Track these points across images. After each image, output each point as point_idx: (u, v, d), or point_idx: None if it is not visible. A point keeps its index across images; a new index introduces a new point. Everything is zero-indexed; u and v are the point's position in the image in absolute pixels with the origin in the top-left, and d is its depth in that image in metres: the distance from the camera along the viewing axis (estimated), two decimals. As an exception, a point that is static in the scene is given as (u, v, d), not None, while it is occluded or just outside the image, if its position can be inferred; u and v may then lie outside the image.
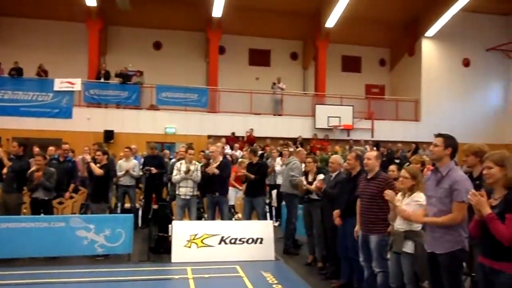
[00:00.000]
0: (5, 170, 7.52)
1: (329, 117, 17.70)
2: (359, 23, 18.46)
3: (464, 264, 4.10)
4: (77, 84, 15.98)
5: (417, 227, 4.26)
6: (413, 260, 4.26)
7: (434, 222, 3.77)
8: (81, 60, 17.41)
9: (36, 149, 8.52)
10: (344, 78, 20.74)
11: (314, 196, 6.75)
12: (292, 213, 7.68)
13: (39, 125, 15.51)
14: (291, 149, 11.04)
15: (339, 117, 17.71)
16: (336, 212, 5.66)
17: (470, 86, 19.66)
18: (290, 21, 19.09)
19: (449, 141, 3.80)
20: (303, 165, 7.76)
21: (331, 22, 17.91)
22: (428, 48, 19.55)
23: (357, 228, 5.10)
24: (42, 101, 15.81)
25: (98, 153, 7.79)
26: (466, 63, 19.86)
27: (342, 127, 17.77)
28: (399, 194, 4.52)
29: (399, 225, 4.37)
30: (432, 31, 18.98)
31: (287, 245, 7.72)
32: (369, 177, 5.03)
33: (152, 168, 9.55)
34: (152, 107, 17.05)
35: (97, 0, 16.14)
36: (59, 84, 15.88)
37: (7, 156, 7.88)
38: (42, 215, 7.14)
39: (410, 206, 4.26)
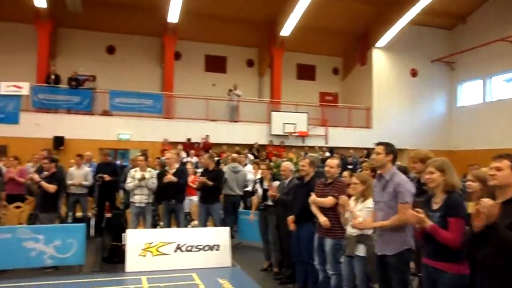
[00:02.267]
0: None
1: (284, 123, 17.97)
2: (313, 32, 18.97)
3: (412, 264, 4.33)
4: (24, 88, 15.30)
5: (369, 231, 4.45)
6: (365, 263, 4.44)
7: (383, 225, 3.96)
8: (29, 63, 16.69)
9: None
10: (299, 86, 21.15)
11: (269, 203, 6.85)
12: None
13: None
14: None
15: (294, 123, 18.02)
16: (291, 218, 5.78)
17: (417, 95, 20.66)
18: (246, 28, 19.27)
19: (389, 148, 4.10)
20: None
21: (286, 30, 18.25)
22: (379, 58, 20.34)
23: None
24: (-15, 105, 15.02)
25: (45, 161, 7.49)
26: (414, 73, 20.83)
27: (297, 134, 18.09)
28: (352, 199, 4.71)
29: (351, 229, 4.54)
30: (382, 42, 19.78)
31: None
32: (327, 182, 5.22)
33: (106, 176, 9.31)
34: (105, 113, 16.61)
35: (47, 1, 15.56)
36: (5, 88, 15.12)
37: None
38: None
39: (363, 212, 4.46)
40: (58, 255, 6.56)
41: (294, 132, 18.03)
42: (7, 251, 6.35)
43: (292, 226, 5.76)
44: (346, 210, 4.52)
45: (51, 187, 7.06)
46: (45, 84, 15.93)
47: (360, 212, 4.45)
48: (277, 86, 19.69)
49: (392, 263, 3.88)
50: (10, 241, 6.37)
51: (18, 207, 8.15)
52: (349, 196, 4.79)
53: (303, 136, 18.28)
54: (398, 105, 20.17)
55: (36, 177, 7.22)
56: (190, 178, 9.17)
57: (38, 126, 15.25)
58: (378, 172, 4.22)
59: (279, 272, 6.67)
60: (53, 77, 15.98)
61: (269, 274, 6.86)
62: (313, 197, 5.22)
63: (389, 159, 4.10)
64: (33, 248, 6.45)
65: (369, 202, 4.46)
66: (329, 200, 5.07)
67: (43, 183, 7.05)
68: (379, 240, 4.06)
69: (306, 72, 21.78)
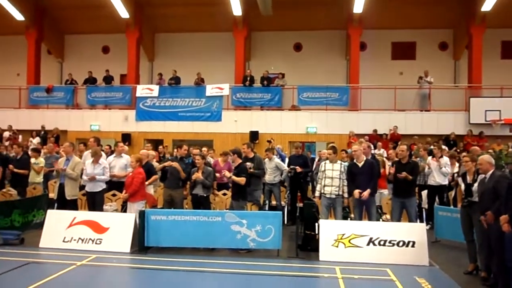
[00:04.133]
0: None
1: (486, 110, 15.87)
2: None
3: None
4: (225, 89, 17.30)
5: None
6: None
7: None
8: (229, 66, 18.77)
9: (195, 151, 9.36)
10: (504, 67, 18.38)
11: (474, 199, 6.13)
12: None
13: (194, 128, 17.16)
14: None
15: (499, 110, 15.75)
16: (504, 218, 5.04)
17: None
18: (437, 9, 17.69)
19: None
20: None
21: (488, 5, 16.03)
22: None
23: None
24: (196, 106, 17.46)
25: (244, 145, 8.28)
26: None
27: (502, 122, 15.75)
28: None
29: None
30: None
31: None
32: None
33: (297, 167, 9.76)
34: (294, 108, 17.46)
35: (242, 9, 17.18)
36: (210, 90, 17.37)
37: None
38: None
39: None
40: (259, 239, 7.17)
41: (499, 120, 15.73)
42: (218, 233, 7.25)
43: (506, 227, 5.02)
44: None
45: (241, 180, 7.80)
46: (242, 85, 17.62)
47: None
48: (476, 68, 17.48)
49: None
50: (220, 224, 7.25)
51: (224, 194, 9.18)
52: None
53: (510, 124, 15.81)
54: None
55: (228, 174, 8.12)
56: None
57: (237, 123, 17.00)
58: None
59: (487, 277, 5.90)
60: (248, 78, 17.55)
61: (475, 278, 6.14)
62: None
63: None
64: (238, 231, 7.20)
65: None
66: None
67: (234, 178, 7.88)
68: None
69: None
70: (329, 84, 17.49)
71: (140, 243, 7.28)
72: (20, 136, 17.04)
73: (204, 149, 10.22)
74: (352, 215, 8.24)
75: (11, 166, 9.84)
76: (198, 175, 7.97)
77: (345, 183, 7.76)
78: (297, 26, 19.18)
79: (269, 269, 6.47)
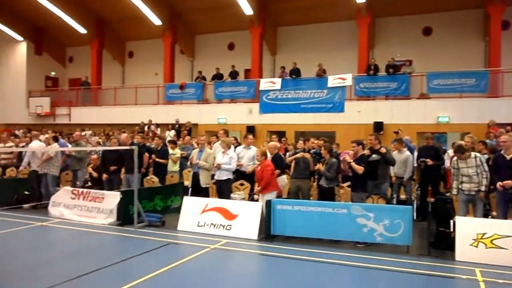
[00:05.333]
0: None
1: None
2: None
3: None
4: (348, 79, 16.89)
5: None
6: None
7: None
8: (351, 56, 18.30)
9: (319, 142, 9.35)
10: None
11: None
12: None
13: (316, 120, 17.12)
14: None
15: None
16: None
17: None
18: None
19: None
20: None
21: None
22: None
23: None
24: (318, 97, 17.37)
25: (353, 144, 8.05)
26: None
27: None
28: None
29: None
30: None
31: None
32: None
33: (428, 160, 9.11)
34: (423, 96, 16.31)
35: (365, -4, 16.58)
36: (332, 81, 17.12)
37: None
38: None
39: None
40: (387, 234, 6.87)
41: None
42: (343, 225, 7.14)
43: None
44: None
45: (360, 168, 7.56)
46: (365, 74, 17.03)
47: None
48: None
49: None
50: (345, 216, 7.13)
51: (349, 186, 9.00)
52: None
53: None
54: None
55: (348, 157, 7.88)
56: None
57: (360, 113, 16.50)
58: None
59: None
60: (372, 67, 16.88)
61: None
62: None
63: None
64: (365, 224, 7.00)
65: None
66: None
67: (353, 164, 7.65)
68: None
69: None
70: (464, 69, 15.94)
71: (267, 231, 7.53)
72: (159, 129, 18.88)
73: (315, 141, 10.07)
74: (494, 213, 7.43)
75: (153, 156, 10.96)
76: (319, 166, 7.97)
77: (484, 176, 7.04)
78: (426, 8, 17.85)
79: (398, 266, 6.16)
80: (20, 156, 12.81)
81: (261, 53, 20.10)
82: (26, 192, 10.67)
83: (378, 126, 15.83)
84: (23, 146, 13.04)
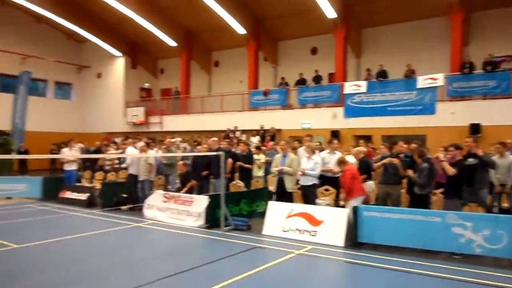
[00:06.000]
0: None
1: None
2: None
3: None
4: (439, 79, 15.90)
5: None
6: None
7: None
8: (442, 54, 17.24)
9: (411, 146, 8.90)
10: None
11: None
12: None
13: (404, 123, 16.32)
14: None
15: None
16: None
17: None
18: None
19: None
20: None
21: None
22: None
23: None
24: (406, 99, 16.57)
25: (451, 148, 7.51)
26: None
27: None
28: None
29: None
30: None
31: None
32: None
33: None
34: (528, 94, 14.81)
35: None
36: (422, 82, 16.23)
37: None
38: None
39: None
40: (488, 245, 6.31)
41: None
42: (436, 234, 6.69)
43: None
44: None
45: (451, 170, 7.15)
46: (459, 73, 15.90)
47: None
48: None
49: None
50: (439, 224, 6.67)
51: (442, 193, 8.43)
52: None
53: None
54: None
55: (441, 155, 7.43)
56: None
57: (453, 115, 15.43)
58: None
59: None
60: (467, 64, 15.72)
61: None
62: None
63: None
64: (461, 234, 6.49)
65: None
66: None
67: (444, 164, 7.22)
68: None
69: None
70: None
71: (354, 238, 7.31)
72: (244, 135, 19.32)
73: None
74: None
75: (239, 162, 11.23)
76: (410, 172, 7.59)
77: None
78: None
79: (500, 281, 5.60)
80: (119, 161, 13.91)
81: (345, 56, 19.71)
82: (124, 195, 11.54)
83: (475, 128, 14.67)
84: (121, 153, 14.11)
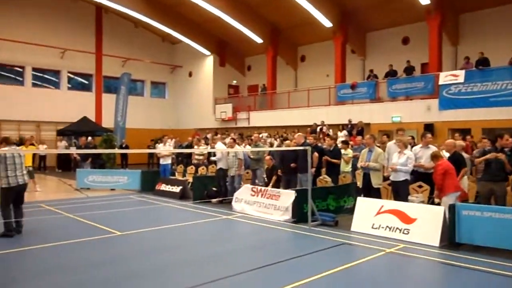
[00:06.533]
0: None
1: None
2: None
3: None
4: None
5: None
6: None
7: None
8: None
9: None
10: None
11: None
12: None
13: (509, 114, 14.86)
14: None
15: None
16: None
17: None
18: None
19: None
20: None
21: None
22: None
23: None
24: (511, 89, 15.06)
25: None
26: None
27: None
28: None
29: None
30: None
31: None
32: None
33: None
34: None
35: None
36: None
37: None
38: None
39: None
40: None
41: None
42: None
43: None
44: None
45: None
46: None
47: None
48: None
49: None
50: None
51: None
52: None
53: None
54: None
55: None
56: None
57: None
58: None
59: None
60: None
61: None
62: None
63: None
64: None
65: None
66: None
67: None
68: None
69: None
70: None
71: (451, 238, 6.83)
72: (330, 130, 19.01)
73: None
74: None
75: (326, 157, 11.07)
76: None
77: None
78: None
79: None
80: (209, 156, 14.49)
81: (440, 44, 18.43)
82: (214, 188, 11.99)
83: None
84: (212, 148, 14.68)
